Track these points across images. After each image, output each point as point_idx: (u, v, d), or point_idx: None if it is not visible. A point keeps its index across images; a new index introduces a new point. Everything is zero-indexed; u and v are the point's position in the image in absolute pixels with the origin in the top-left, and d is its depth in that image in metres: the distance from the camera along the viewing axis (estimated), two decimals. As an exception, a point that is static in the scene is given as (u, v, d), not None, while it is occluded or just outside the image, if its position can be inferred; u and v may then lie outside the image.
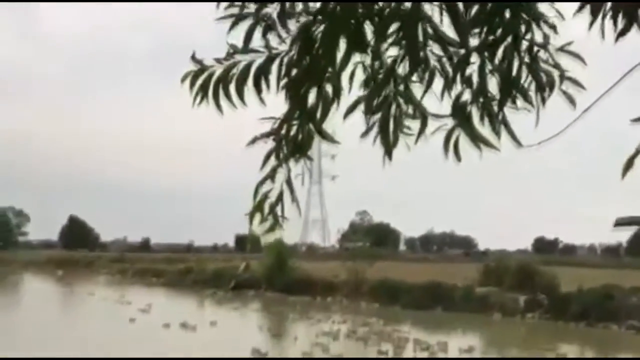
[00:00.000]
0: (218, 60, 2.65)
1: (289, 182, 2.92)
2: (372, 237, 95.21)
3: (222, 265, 53.30)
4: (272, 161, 2.85)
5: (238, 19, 2.63)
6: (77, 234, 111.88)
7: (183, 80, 2.65)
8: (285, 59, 2.65)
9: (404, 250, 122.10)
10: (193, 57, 2.66)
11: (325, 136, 2.77)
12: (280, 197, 2.93)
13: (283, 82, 2.67)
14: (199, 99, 2.65)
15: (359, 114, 2.61)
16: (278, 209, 2.95)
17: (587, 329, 29.16)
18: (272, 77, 2.68)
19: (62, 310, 36.01)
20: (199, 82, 2.65)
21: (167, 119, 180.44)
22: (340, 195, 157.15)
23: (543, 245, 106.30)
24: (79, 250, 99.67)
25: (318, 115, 2.67)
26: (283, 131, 2.76)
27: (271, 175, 2.88)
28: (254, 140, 2.95)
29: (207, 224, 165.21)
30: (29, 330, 23.74)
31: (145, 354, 19.04)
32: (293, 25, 2.57)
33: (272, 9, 2.58)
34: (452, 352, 21.15)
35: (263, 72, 2.66)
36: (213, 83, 2.65)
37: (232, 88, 2.69)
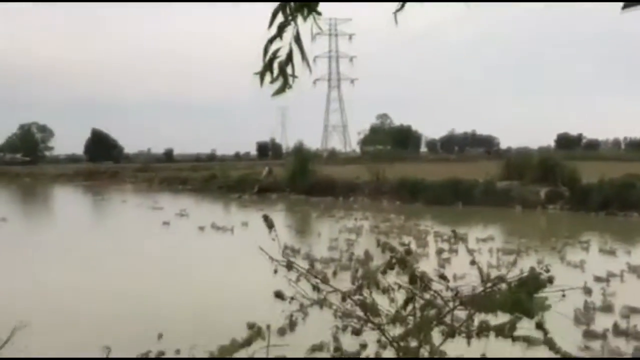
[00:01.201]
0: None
1: (297, 39, 2.92)
2: (393, 140, 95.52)
3: (245, 172, 54.21)
4: (280, 18, 2.85)
5: None
6: (101, 147, 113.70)
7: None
8: None
9: (425, 152, 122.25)
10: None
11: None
12: (289, 56, 2.94)
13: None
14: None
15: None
16: (288, 69, 2.97)
17: (607, 218, 29.50)
18: None
19: (99, 216, 37.39)
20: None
21: (185, 31, 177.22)
22: (360, 99, 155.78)
23: (566, 142, 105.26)
24: (104, 163, 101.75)
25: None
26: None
27: (279, 34, 2.88)
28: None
29: (229, 134, 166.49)
30: (70, 239, 24.80)
31: (187, 255, 19.88)
32: None
33: None
34: (471, 242, 21.61)
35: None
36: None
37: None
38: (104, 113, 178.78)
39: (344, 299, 2.66)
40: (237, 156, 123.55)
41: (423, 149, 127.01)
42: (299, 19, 2.94)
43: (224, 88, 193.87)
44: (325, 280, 2.83)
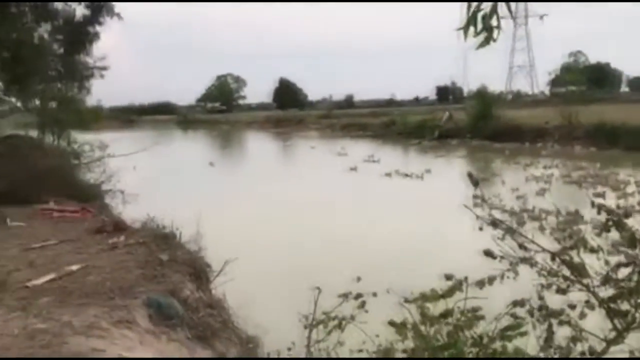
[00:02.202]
0: None
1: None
2: (588, 79, 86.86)
3: (425, 117, 53.54)
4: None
5: None
6: (288, 95, 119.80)
7: None
8: None
9: (626, 92, 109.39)
10: None
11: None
12: (494, 8, 2.85)
13: None
14: None
15: None
16: (492, 21, 2.88)
17: None
18: None
19: (292, 161, 39.71)
20: None
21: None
22: (549, 37, 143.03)
23: None
24: (290, 109, 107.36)
25: None
26: None
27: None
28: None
29: (408, 78, 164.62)
30: (270, 181, 26.81)
31: (379, 201, 20.27)
32: None
33: None
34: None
35: None
36: None
37: None
38: (289, 61, 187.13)
39: (553, 259, 2.62)
40: (416, 101, 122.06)
41: (624, 88, 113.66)
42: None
43: (402, 31, 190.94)
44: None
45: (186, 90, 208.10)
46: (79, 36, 19.95)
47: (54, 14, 19.67)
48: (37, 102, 20.86)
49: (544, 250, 2.72)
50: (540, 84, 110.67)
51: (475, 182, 2.89)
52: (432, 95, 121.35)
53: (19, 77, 17.01)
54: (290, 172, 31.35)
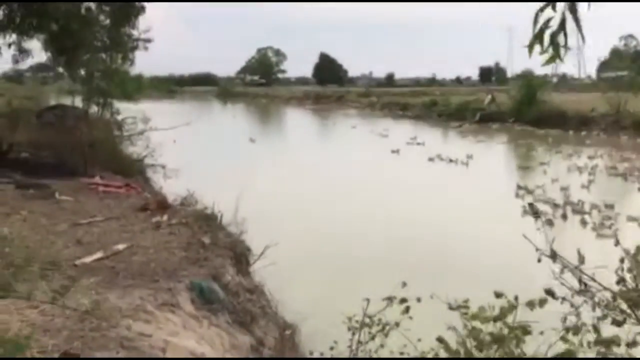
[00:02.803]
0: None
1: (572, 8, 2.74)
2: (639, 65, 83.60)
3: (466, 99, 52.56)
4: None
5: None
6: (328, 70, 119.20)
7: None
8: None
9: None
10: None
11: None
12: (562, 25, 2.77)
13: None
14: None
15: None
16: (560, 38, 2.80)
17: None
18: None
19: (334, 141, 38.56)
20: None
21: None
22: (600, 18, 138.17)
23: None
24: (329, 85, 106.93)
25: None
26: None
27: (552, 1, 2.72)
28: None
29: (450, 57, 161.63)
30: (313, 161, 26.77)
31: (427, 189, 19.78)
32: None
33: None
34: None
35: None
36: None
37: None
38: (329, 35, 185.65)
39: (614, 299, 2.57)
40: (458, 80, 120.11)
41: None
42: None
43: (445, 8, 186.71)
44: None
45: (227, 61, 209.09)
46: (126, 9, 20.10)
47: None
48: (83, 72, 21.23)
49: (605, 289, 2.67)
50: (588, 68, 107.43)
51: (536, 213, 2.84)
52: (475, 76, 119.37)
53: (67, 49, 17.31)
54: (332, 152, 30.86)
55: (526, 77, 49.95)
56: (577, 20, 2.79)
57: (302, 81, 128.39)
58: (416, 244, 12.95)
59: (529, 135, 36.09)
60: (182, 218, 9.64)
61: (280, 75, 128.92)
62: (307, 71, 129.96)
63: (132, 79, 22.70)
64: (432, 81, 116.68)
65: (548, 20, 2.79)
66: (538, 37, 2.82)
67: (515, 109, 43.61)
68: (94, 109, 21.48)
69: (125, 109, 21.74)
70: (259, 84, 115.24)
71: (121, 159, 16.16)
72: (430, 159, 25.91)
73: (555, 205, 16.12)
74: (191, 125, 21.74)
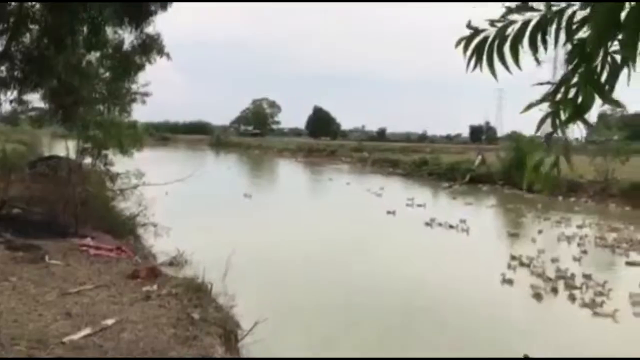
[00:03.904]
0: (492, 23, 2.63)
1: (566, 150, 2.88)
2: (627, 130, 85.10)
3: (457, 159, 53.19)
4: (547, 126, 2.82)
5: None
6: (321, 122, 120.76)
7: (457, 45, 2.68)
8: (567, 16, 2.54)
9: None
10: (468, 24, 2.67)
11: (610, 100, 2.65)
12: (555, 164, 2.91)
13: (563, 41, 2.58)
14: (472, 63, 2.67)
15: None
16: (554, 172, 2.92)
17: None
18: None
19: (328, 198, 38.29)
20: (473, 45, 2.65)
21: (404, 11, 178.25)
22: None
23: None
24: (322, 138, 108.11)
25: (603, 78, 2.54)
26: (560, 95, 2.69)
27: (547, 141, 2.86)
28: (529, 107, 2.93)
29: (441, 114, 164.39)
30: (309, 219, 26.93)
31: (432, 260, 19.21)
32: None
33: None
34: None
35: (541, 29, 2.57)
36: (487, 45, 2.63)
37: (506, 49, 2.66)
38: (324, 88, 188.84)
39: None
40: (449, 138, 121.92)
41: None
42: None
43: (438, 65, 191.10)
44: None
45: (222, 110, 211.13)
46: (126, 64, 20.37)
47: (105, 42, 20.21)
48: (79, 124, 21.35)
49: None
50: (576, 130, 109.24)
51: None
52: (465, 133, 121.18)
53: (66, 105, 17.52)
54: (328, 212, 30.28)
55: (514, 140, 50.57)
56: (569, 160, 2.92)
57: (295, 132, 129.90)
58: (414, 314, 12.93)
59: (518, 200, 36.31)
60: (172, 287, 9.58)
61: (274, 126, 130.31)
62: (300, 123, 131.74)
63: (128, 132, 22.80)
64: (423, 137, 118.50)
65: (542, 158, 2.94)
66: (533, 172, 2.95)
67: (504, 171, 44.12)
68: (88, 159, 21.61)
69: (119, 160, 21.82)
70: (253, 134, 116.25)
71: (113, 217, 16.13)
72: (428, 224, 25.60)
73: (549, 279, 16.17)
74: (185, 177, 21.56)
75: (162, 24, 17.58)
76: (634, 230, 25.64)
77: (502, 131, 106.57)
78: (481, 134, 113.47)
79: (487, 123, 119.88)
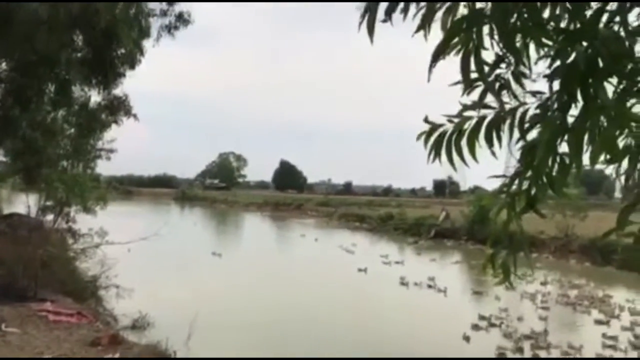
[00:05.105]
0: (449, 119, 2.81)
1: (521, 238, 3.04)
2: (583, 186, 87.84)
3: (422, 213, 53.82)
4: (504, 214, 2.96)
5: (473, 82, 2.76)
6: (287, 176, 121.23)
7: (418, 138, 2.85)
8: (519, 114, 2.74)
9: (619, 199, 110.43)
10: (425, 119, 2.85)
11: (561, 194, 2.82)
12: (511, 254, 3.06)
13: (516, 139, 2.77)
14: (432, 156, 2.83)
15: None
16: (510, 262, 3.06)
17: None
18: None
19: (298, 256, 37.01)
20: (432, 139, 2.82)
21: (373, 64, 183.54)
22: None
23: None
24: (289, 191, 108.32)
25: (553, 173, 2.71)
26: (514, 186, 2.85)
27: (504, 229, 3.02)
28: (486, 201, 3.10)
29: (406, 167, 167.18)
30: (283, 282, 26.46)
31: (416, 323, 18.92)
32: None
33: (506, 70, 2.70)
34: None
35: (496, 126, 2.76)
36: (446, 139, 2.80)
37: (463, 144, 2.83)
38: (291, 142, 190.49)
39: None
40: (413, 191, 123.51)
41: (618, 194, 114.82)
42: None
43: (402, 119, 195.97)
44: None
45: (187, 164, 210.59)
46: (92, 122, 20.27)
47: (71, 100, 20.14)
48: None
49: None
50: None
51: None
52: (429, 186, 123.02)
53: (30, 167, 17.30)
54: (298, 270, 29.50)
55: (476, 196, 51.34)
56: (525, 250, 3.08)
57: (262, 185, 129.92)
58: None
59: (481, 255, 36.69)
60: (134, 356, 9.36)
61: (240, 180, 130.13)
62: (267, 176, 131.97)
63: (91, 190, 22.41)
64: (388, 190, 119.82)
65: (499, 249, 3.08)
66: (490, 261, 3.09)
67: (467, 227, 44.75)
68: (49, 217, 21.17)
69: (82, 217, 21.40)
70: (219, 188, 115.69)
71: (75, 279, 15.73)
72: (403, 284, 25.44)
73: (516, 339, 16.29)
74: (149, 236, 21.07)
75: (127, 77, 17.68)
76: (594, 287, 26.14)
77: (464, 185, 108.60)
78: (444, 188, 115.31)
79: (450, 177, 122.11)
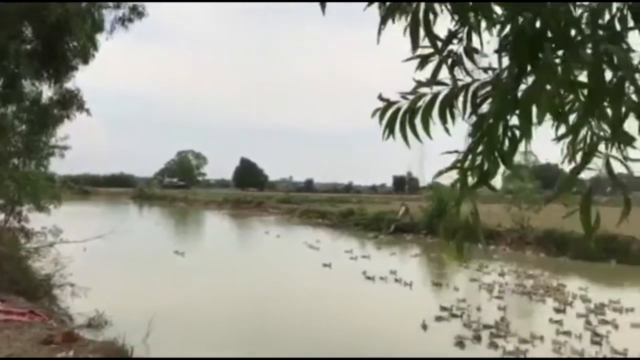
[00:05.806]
0: (404, 96, 2.81)
1: (475, 214, 3.06)
2: (539, 180, 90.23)
3: (381, 209, 54.28)
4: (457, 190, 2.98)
5: (426, 58, 2.77)
6: (248, 173, 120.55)
7: (372, 115, 2.85)
8: (471, 90, 2.76)
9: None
10: (380, 96, 2.84)
11: (512, 168, 2.85)
12: (466, 227, 3.09)
13: (468, 114, 2.78)
14: (386, 132, 2.83)
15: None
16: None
17: None
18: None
19: (262, 253, 36.08)
20: (387, 116, 2.82)
21: (328, 63, 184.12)
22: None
23: None
24: (249, 189, 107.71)
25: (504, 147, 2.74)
26: (467, 162, 2.87)
27: (457, 206, 3.04)
28: (439, 174, 3.12)
29: (366, 165, 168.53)
30: (246, 279, 26.21)
31: (389, 317, 18.76)
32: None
33: (458, 46, 2.72)
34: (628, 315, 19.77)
35: (449, 102, 2.77)
36: (400, 116, 2.80)
37: (417, 121, 2.84)
38: (251, 139, 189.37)
39: None
40: (373, 188, 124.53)
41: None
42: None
43: (361, 116, 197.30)
44: None
45: (145, 162, 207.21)
46: (44, 118, 19.69)
47: (21, 95, 19.52)
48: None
49: None
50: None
51: None
52: (389, 183, 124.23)
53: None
54: (263, 267, 28.90)
55: (435, 190, 51.91)
56: (477, 228, 3.10)
57: (222, 184, 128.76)
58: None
59: (439, 248, 37.23)
60: (90, 353, 9.13)
61: (200, 178, 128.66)
62: (227, 174, 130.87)
63: (44, 188, 21.80)
64: (348, 187, 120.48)
65: (455, 224, 3.10)
66: (447, 236, 3.11)
67: (426, 221, 45.36)
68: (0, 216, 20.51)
69: (35, 217, 20.84)
70: (178, 186, 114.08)
71: (27, 278, 15.24)
72: (369, 278, 25.38)
73: (474, 328, 16.60)
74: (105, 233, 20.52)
75: (82, 75, 17.27)
76: (548, 277, 26.84)
77: (424, 181, 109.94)
78: (404, 184, 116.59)
79: (409, 173, 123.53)
